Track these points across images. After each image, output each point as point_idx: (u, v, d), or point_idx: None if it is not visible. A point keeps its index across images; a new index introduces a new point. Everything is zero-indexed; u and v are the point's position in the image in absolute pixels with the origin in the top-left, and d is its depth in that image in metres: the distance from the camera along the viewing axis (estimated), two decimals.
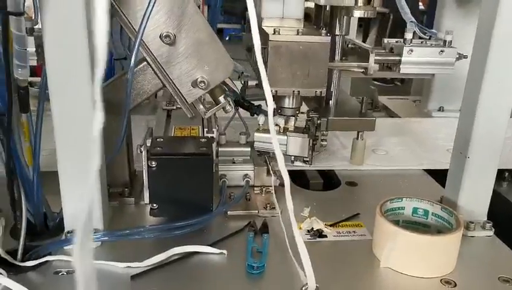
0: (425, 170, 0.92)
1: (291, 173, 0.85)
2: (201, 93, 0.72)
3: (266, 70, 0.71)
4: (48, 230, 0.67)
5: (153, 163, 0.64)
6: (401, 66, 0.85)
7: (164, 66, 0.70)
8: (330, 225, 0.68)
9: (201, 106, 0.75)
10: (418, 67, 0.87)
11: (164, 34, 0.68)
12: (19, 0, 0.49)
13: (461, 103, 0.71)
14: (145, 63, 0.70)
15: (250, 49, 0.92)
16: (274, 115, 0.82)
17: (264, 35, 0.75)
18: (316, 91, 0.76)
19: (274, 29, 0.75)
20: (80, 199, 0.36)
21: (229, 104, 0.77)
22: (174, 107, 0.99)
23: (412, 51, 0.85)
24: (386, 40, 0.91)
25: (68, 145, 0.59)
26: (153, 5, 0.60)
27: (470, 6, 1.24)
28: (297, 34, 0.74)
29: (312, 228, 0.67)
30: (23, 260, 0.60)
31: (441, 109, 1.34)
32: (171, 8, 0.67)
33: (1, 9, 0.49)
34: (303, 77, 0.75)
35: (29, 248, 0.62)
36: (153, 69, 0.70)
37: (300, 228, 0.67)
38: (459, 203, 0.68)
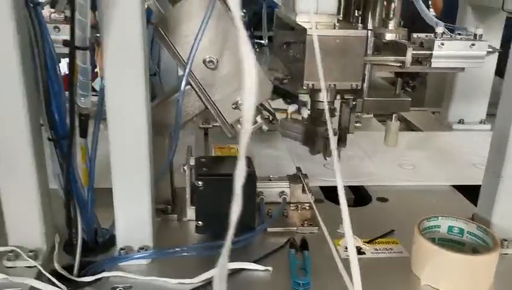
0: (453, 186, 0.94)
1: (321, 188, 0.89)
2: (241, 114, 0.75)
3: (304, 65, 0.75)
4: (97, 246, 0.71)
5: (200, 183, 0.67)
6: (432, 60, 0.86)
7: (207, 89, 0.73)
8: (367, 242, 0.71)
9: (239, 126, 0.79)
10: (448, 61, 0.88)
11: (208, 59, 0.72)
12: (85, 36, 0.52)
13: (495, 121, 0.73)
14: (189, 86, 0.73)
15: (283, 44, 0.95)
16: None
17: (299, 30, 0.78)
18: (351, 84, 0.78)
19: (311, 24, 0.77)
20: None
21: (266, 124, 0.80)
22: (211, 126, 1.03)
23: (442, 44, 0.87)
24: (415, 35, 0.92)
25: (122, 166, 0.63)
26: (202, 33, 0.64)
27: (490, 22, 1.26)
28: (334, 28, 0.77)
29: None
30: (79, 276, 0.64)
31: (461, 122, 1.36)
32: (215, 34, 0.70)
33: (70, 44, 0.53)
34: (339, 71, 0.77)
35: (83, 263, 0.66)
36: (197, 92, 0.73)
37: (338, 245, 0.70)
38: (493, 221, 0.71)
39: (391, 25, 0.81)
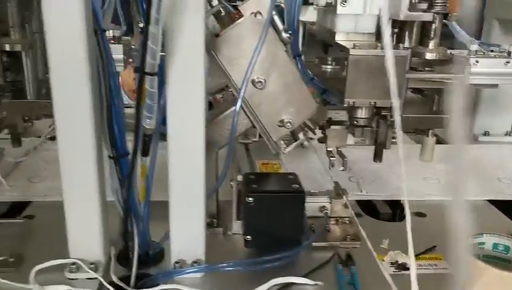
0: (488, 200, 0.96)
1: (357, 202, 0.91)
2: (286, 132, 0.78)
3: (346, 83, 0.79)
4: (148, 258, 0.73)
5: (250, 199, 0.70)
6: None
7: (254, 108, 0.76)
8: None
9: (282, 142, 0.81)
10: (483, 78, 0.90)
11: (257, 80, 0.74)
12: (155, 63, 0.55)
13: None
14: None
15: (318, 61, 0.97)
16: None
17: (341, 49, 0.81)
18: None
19: (354, 43, 0.80)
20: None
21: (307, 140, 0.83)
22: (251, 141, 1.05)
23: (477, 62, 0.89)
24: (448, 52, 0.95)
25: (180, 182, 0.65)
26: (257, 56, 0.67)
27: None
28: (376, 48, 0.80)
29: (396, 261, 0.72)
30: (135, 287, 0.67)
31: (486, 134, 1.38)
32: (265, 55, 0.73)
33: (140, 70, 0.56)
34: (380, 89, 0.80)
35: (138, 275, 0.69)
36: (245, 111, 0.76)
37: (382, 260, 0.72)
38: None
39: (431, 44, 0.83)
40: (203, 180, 0.66)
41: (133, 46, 0.97)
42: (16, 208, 0.88)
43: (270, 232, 0.71)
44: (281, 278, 0.66)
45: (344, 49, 0.80)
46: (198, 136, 0.63)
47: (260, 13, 0.72)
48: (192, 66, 0.60)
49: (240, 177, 0.76)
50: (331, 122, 0.86)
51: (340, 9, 0.84)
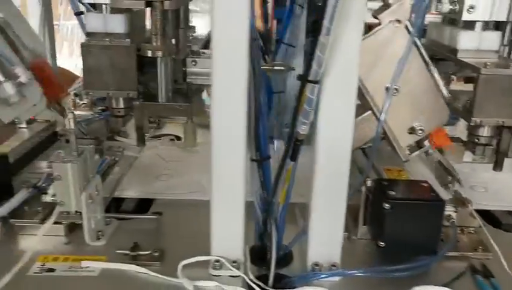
0: None
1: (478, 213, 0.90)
2: (416, 139, 0.78)
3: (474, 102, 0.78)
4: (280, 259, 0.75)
5: (387, 205, 0.70)
6: None
7: (386, 115, 0.77)
8: None
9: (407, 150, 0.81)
10: None
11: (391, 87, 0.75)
12: (319, 72, 0.57)
13: None
14: (370, 112, 0.77)
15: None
16: None
17: (470, 67, 0.81)
18: None
19: (485, 63, 0.80)
20: None
21: (431, 148, 0.82)
22: (366, 146, 1.06)
23: None
24: None
25: (325, 186, 0.67)
26: (403, 64, 0.68)
27: None
28: (508, 67, 0.79)
29: None
30: (273, 287, 0.69)
31: None
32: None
33: (303, 78, 0.58)
34: (510, 107, 0.80)
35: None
36: (377, 118, 0.77)
37: None
38: None
39: None
40: (347, 184, 0.67)
41: None
42: (141, 205, 0.93)
43: (405, 239, 0.71)
44: (422, 286, 0.66)
45: (473, 68, 0.80)
46: (347, 141, 0.64)
47: (399, 21, 0.73)
48: (347, 75, 0.61)
49: (369, 182, 0.77)
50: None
51: (465, 15, 0.84)
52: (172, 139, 1.26)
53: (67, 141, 1.14)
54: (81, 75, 1.78)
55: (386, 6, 0.75)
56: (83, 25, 1.12)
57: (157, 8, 0.80)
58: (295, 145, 0.64)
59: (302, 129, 0.62)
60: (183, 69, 0.96)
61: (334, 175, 0.66)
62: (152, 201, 0.93)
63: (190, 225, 0.85)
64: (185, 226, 0.84)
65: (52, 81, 0.90)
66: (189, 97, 0.92)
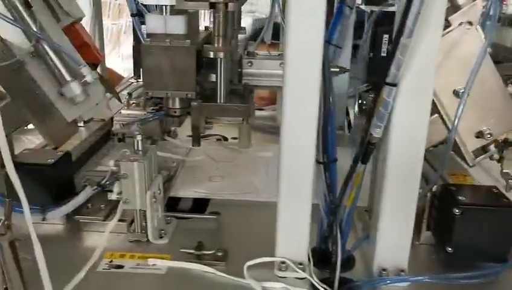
0: None
1: None
2: (484, 143, 0.77)
3: None
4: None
5: (457, 211, 0.69)
6: None
7: (452, 118, 0.75)
8: None
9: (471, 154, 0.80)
10: None
11: (457, 90, 0.74)
12: (398, 74, 0.56)
13: None
14: (437, 115, 0.76)
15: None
16: None
17: None
18: None
19: None
20: None
21: (497, 153, 0.80)
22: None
23: None
24: None
25: (396, 188, 0.66)
26: (478, 67, 0.66)
27: None
28: None
29: None
30: None
31: None
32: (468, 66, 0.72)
33: (382, 80, 0.57)
34: None
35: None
36: (444, 121, 0.76)
37: None
38: None
39: None
40: (418, 188, 0.66)
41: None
42: (196, 205, 0.94)
43: (474, 246, 0.70)
44: None
45: None
46: (420, 144, 0.64)
47: (470, 23, 0.71)
48: (424, 77, 0.60)
49: (435, 187, 0.75)
50: (508, 143, 0.83)
51: None
52: (219, 140, 1.27)
53: (120, 140, 1.18)
54: (125, 76, 1.82)
55: (454, 8, 0.73)
56: (138, 26, 1.14)
57: (220, 9, 0.80)
58: (368, 149, 0.63)
59: (376, 132, 0.61)
60: (239, 70, 0.96)
61: (405, 179, 0.65)
62: (208, 201, 0.94)
63: (248, 225, 0.85)
64: (243, 227, 0.85)
65: (88, 45, 0.92)
66: (245, 98, 0.92)
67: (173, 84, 0.86)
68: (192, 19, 0.91)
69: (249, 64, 0.94)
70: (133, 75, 1.55)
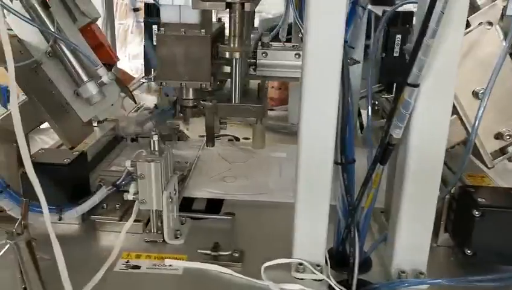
0: None
1: None
2: (503, 144, 0.76)
3: None
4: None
5: (477, 213, 0.68)
6: None
7: (471, 118, 0.75)
8: None
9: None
10: None
11: (477, 91, 0.73)
12: (420, 75, 0.56)
13: None
14: (456, 116, 0.75)
15: None
16: None
17: None
18: None
19: None
20: None
21: None
22: None
23: None
24: None
25: (416, 191, 0.65)
26: (500, 67, 0.66)
27: None
28: None
29: None
30: None
31: None
32: (490, 64, 0.71)
33: (403, 80, 0.57)
34: None
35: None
36: (462, 122, 0.75)
37: None
38: None
39: None
40: (438, 190, 0.65)
41: None
42: (209, 205, 0.94)
43: (494, 248, 0.69)
44: None
45: None
46: (441, 145, 0.63)
47: (490, 23, 0.71)
48: (446, 78, 0.60)
49: (453, 189, 0.75)
50: None
51: None
52: (231, 140, 1.27)
53: (133, 140, 1.18)
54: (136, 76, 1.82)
55: (474, 8, 0.73)
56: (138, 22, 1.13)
57: (236, 9, 0.80)
58: (387, 149, 0.63)
59: (396, 133, 0.61)
60: (253, 60, 0.94)
61: (425, 180, 0.65)
62: (222, 201, 0.93)
63: (263, 226, 0.85)
64: (258, 227, 0.84)
65: (103, 46, 0.92)
66: (259, 98, 0.91)
67: (188, 74, 0.84)
68: (206, 11, 0.90)
69: (264, 55, 0.93)
70: (144, 74, 1.55)
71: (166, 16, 0.84)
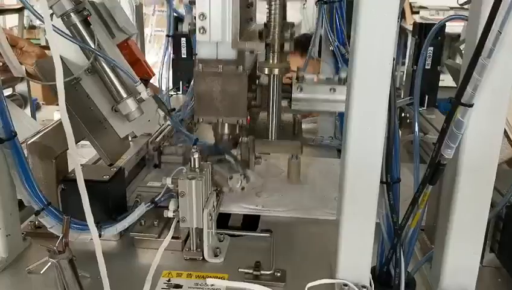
0: None
1: None
2: None
3: None
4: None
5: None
6: None
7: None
8: None
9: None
10: None
11: None
12: (474, 95, 0.55)
13: None
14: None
15: None
16: None
17: None
18: None
19: None
20: None
21: None
22: None
23: None
24: None
25: (468, 210, 0.64)
26: None
27: None
28: None
29: None
30: None
31: None
32: None
33: (455, 99, 0.56)
34: None
35: None
36: (509, 140, 0.73)
37: None
38: None
39: None
40: (488, 208, 0.63)
41: None
42: (246, 221, 0.94)
43: None
44: None
45: None
46: (493, 165, 0.62)
47: None
48: (499, 97, 0.58)
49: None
50: None
51: None
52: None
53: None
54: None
55: None
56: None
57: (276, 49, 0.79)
58: (438, 169, 0.61)
59: (448, 153, 0.59)
60: (290, 94, 0.94)
61: (475, 200, 0.63)
62: (258, 217, 0.93)
63: (301, 243, 0.84)
64: (296, 245, 0.83)
65: (140, 61, 0.92)
66: (296, 134, 0.90)
67: (225, 110, 0.85)
68: None
69: (299, 89, 0.92)
70: (172, 87, 1.57)
71: (203, 52, 0.84)
